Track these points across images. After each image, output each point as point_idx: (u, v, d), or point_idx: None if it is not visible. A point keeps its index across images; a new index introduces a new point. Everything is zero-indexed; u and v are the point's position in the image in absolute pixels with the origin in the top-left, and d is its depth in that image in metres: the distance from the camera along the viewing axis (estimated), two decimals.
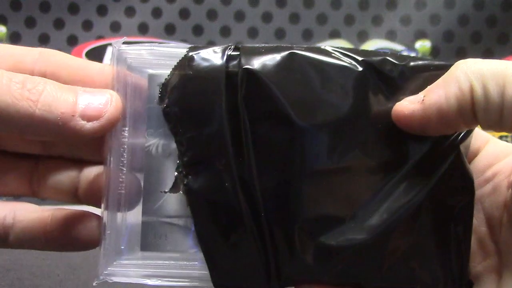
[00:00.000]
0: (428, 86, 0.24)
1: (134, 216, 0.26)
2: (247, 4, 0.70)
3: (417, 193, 0.25)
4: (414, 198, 0.25)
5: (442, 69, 0.25)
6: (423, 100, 0.24)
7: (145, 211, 0.26)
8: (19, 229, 0.26)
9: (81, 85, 0.25)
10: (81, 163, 0.28)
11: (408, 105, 0.24)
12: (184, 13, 0.70)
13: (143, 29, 0.69)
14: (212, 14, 0.70)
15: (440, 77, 0.24)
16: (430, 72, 0.25)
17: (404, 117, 0.24)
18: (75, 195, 0.28)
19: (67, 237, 0.26)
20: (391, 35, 0.70)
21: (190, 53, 0.25)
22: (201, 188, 0.25)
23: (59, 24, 0.70)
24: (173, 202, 0.26)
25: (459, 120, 0.23)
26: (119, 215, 0.26)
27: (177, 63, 0.25)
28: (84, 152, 0.28)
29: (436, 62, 0.26)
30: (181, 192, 0.26)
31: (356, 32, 0.70)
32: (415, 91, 0.25)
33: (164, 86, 0.26)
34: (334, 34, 0.70)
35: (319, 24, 0.70)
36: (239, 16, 0.70)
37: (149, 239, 0.26)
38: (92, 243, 0.26)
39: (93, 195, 0.27)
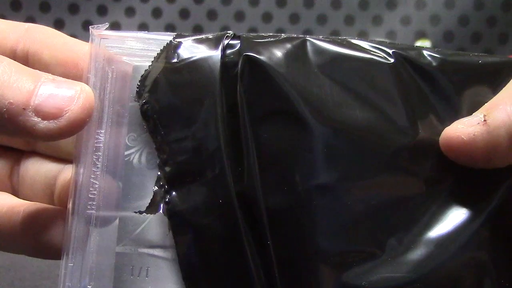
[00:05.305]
0: (489, 102, 0.19)
1: (108, 240, 0.20)
2: (247, 4, 0.70)
3: (473, 219, 0.19)
4: (470, 225, 0.19)
5: (496, 69, 0.19)
6: (484, 120, 0.18)
7: (121, 238, 0.20)
8: None
9: (61, 69, 0.21)
10: (64, 163, 0.23)
11: (464, 129, 0.18)
12: (184, 13, 0.70)
13: (143, 29, 0.69)
14: (212, 14, 0.70)
15: (494, 79, 0.19)
16: (478, 71, 0.20)
17: (460, 145, 0.19)
18: (51, 200, 0.23)
19: (37, 240, 0.21)
20: (391, 35, 0.70)
21: (177, 40, 0.20)
22: (187, 207, 0.19)
23: (59, 24, 0.70)
24: (157, 227, 0.20)
25: None
26: (87, 235, 0.19)
27: (160, 51, 0.20)
28: (66, 151, 0.23)
29: (485, 59, 0.20)
30: (161, 212, 0.19)
31: (356, 32, 0.70)
32: (463, 93, 0.19)
33: (144, 79, 0.20)
34: (334, 34, 0.70)
35: (319, 24, 0.70)
36: (239, 16, 0.70)
37: (125, 276, 0.20)
38: (49, 252, 0.21)
39: (64, 204, 0.21)
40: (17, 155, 0.24)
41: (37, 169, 0.23)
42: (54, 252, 0.21)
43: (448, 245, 0.18)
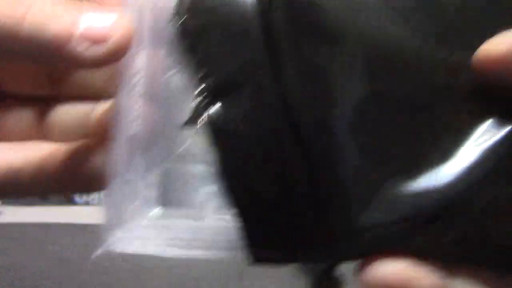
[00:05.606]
0: None
1: (151, 162, 0.21)
2: None
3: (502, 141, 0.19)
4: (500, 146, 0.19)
5: None
6: None
7: (165, 156, 0.21)
8: (29, 172, 0.22)
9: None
10: (94, 102, 0.24)
11: (499, 45, 0.18)
12: None
13: None
14: None
15: None
16: None
17: (494, 60, 0.18)
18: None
19: (80, 175, 0.22)
20: None
21: None
22: (228, 120, 0.20)
23: None
24: (199, 143, 0.20)
25: None
26: (131, 157, 0.20)
27: None
28: (97, 89, 0.24)
29: None
30: (202, 127, 0.20)
31: None
32: (503, 12, 0.20)
33: (181, 1, 0.21)
34: None
35: None
36: None
37: (170, 193, 0.21)
38: (96, 183, 0.22)
39: (102, 134, 0.22)
40: (43, 103, 0.24)
41: (66, 112, 0.24)
42: (96, 184, 0.22)
43: (479, 165, 0.19)
